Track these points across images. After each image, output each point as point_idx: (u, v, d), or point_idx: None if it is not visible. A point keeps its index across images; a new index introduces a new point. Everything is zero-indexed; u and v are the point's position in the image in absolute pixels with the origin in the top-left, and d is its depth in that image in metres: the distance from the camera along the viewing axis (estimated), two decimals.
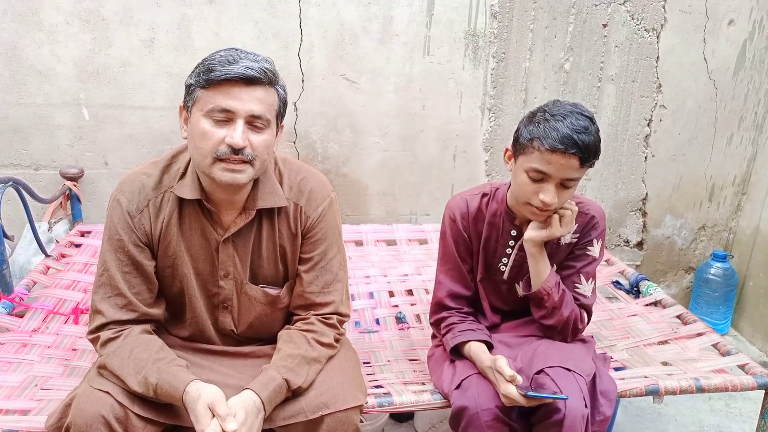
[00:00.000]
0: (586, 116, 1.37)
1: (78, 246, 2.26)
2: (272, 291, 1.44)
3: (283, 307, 1.47)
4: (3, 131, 2.35)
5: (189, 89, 1.28)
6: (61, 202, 2.36)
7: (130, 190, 1.36)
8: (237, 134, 1.23)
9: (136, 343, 1.30)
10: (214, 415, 1.17)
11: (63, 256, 2.17)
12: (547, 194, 1.39)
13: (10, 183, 1.94)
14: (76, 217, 2.42)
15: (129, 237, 1.34)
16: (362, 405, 1.35)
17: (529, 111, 1.45)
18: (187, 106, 1.30)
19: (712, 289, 2.85)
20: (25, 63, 2.30)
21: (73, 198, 2.39)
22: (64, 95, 2.35)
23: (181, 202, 1.37)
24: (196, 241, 1.38)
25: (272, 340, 1.48)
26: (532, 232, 1.49)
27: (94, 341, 1.35)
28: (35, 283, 1.96)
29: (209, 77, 1.22)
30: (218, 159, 1.25)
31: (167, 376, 1.23)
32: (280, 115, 1.34)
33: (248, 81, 1.23)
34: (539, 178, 1.39)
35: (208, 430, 1.14)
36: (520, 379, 1.35)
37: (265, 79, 1.25)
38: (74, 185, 2.38)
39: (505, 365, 1.36)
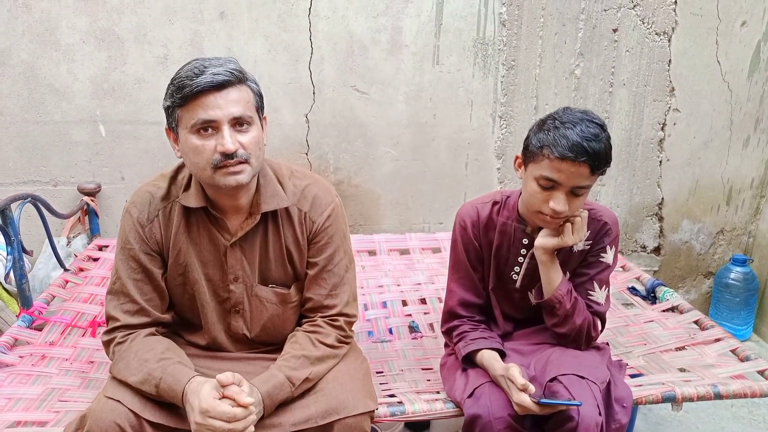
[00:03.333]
0: (597, 123, 1.36)
1: (96, 260, 2.29)
2: (282, 290, 1.48)
3: (294, 305, 1.49)
4: (23, 149, 2.41)
5: (168, 111, 1.31)
6: (79, 217, 2.41)
7: (141, 202, 1.41)
8: (226, 141, 1.26)
9: (140, 346, 1.34)
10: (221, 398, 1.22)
11: (81, 270, 2.21)
12: (558, 202, 1.38)
13: (29, 199, 1.98)
14: (93, 232, 2.46)
15: (140, 246, 1.40)
16: (372, 412, 1.35)
17: (539, 118, 1.45)
18: (172, 128, 1.34)
19: (732, 293, 2.80)
20: (42, 82, 2.35)
21: (90, 213, 2.43)
22: (81, 112, 2.40)
23: (188, 211, 1.41)
24: (205, 248, 1.42)
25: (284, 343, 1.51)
26: (542, 240, 1.48)
27: (106, 345, 1.39)
28: (54, 296, 2.00)
29: (182, 95, 1.25)
30: (216, 168, 1.28)
31: (171, 372, 1.27)
32: (260, 108, 1.37)
33: (219, 86, 1.25)
34: (549, 186, 1.38)
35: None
36: (532, 388, 1.34)
37: (234, 79, 1.27)
38: (92, 200, 2.43)
39: (517, 374, 1.35)
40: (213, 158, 1.27)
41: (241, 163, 1.29)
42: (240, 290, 1.44)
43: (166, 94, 1.31)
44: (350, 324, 1.49)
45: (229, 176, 1.29)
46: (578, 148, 1.32)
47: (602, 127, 1.37)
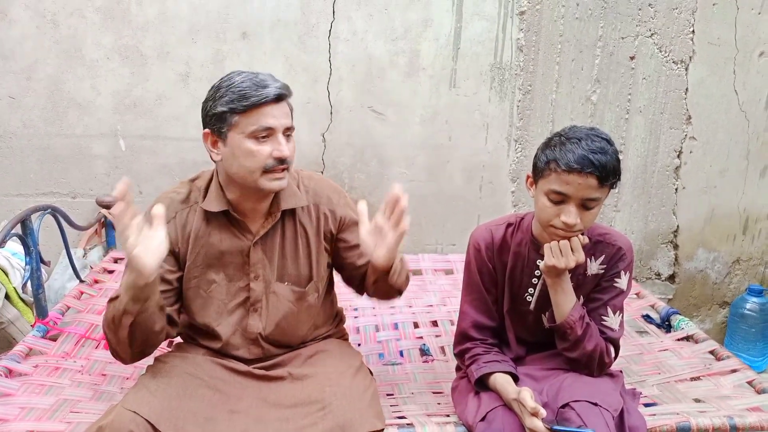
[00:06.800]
0: (603, 138, 1.39)
1: (111, 272, 2.31)
2: (298, 288, 1.53)
3: (309, 306, 1.53)
4: (44, 160, 2.45)
5: (221, 116, 1.38)
6: (96, 230, 2.44)
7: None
8: (283, 147, 1.39)
9: None
10: None
11: (96, 281, 2.22)
12: (569, 215, 1.39)
13: (49, 210, 2.01)
14: (110, 244, 2.49)
15: None
16: (380, 431, 1.34)
17: (547, 137, 1.47)
18: (219, 132, 1.39)
19: (748, 324, 2.76)
20: (66, 96, 2.40)
21: (107, 226, 2.46)
22: (102, 127, 2.45)
23: (208, 216, 1.47)
24: (227, 250, 1.47)
25: (296, 346, 1.56)
26: (543, 262, 1.48)
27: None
28: (69, 307, 2.01)
29: (248, 103, 1.35)
30: (265, 171, 1.38)
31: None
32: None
33: (278, 99, 1.38)
34: (559, 199, 1.40)
35: None
36: (543, 412, 1.32)
37: (288, 94, 1.42)
38: (109, 213, 2.45)
39: (528, 397, 1.34)
40: (267, 162, 1.38)
41: (285, 169, 1.41)
42: (260, 288, 1.49)
43: (218, 101, 1.38)
44: None
45: (275, 181, 1.40)
46: (584, 160, 1.35)
47: (608, 141, 1.40)
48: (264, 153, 1.37)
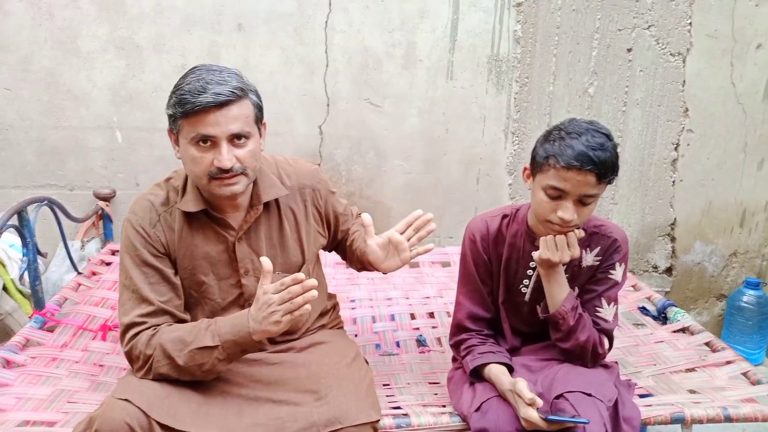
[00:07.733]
0: (602, 133, 1.38)
1: (108, 264, 2.32)
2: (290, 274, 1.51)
3: None
4: (41, 153, 2.45)
5: (171, 118, 1.35)
6: (93, 222, 2.44)
7: (141, 209, 1.43)
8: (223, 157, 1.31)
9: (174, 328, 1.36)
10: None
11: (94, 273, 2.23)
12: (566, 211, 1.39)
13: (45, 202, 2.01)
14: (107, 236, 2.49)
15: (148, 249, 1.40)
16: (375, 422, 1.35)
17: (546, 129, 1.47)
18: (173, 132, 1.38)
19: (745, 317, 2.77)
20: (62, 88, 2.40)
21: (104, 218, 2.47)
22: (99, 119, 2.44)
23: (188, 215, 1.43)
24: (212, 248, 1.44)
25: (295, 335, 1.54)
26: (537, 253, 1.48)
27: (132, 349, 1.35)
28: (66, 299, 2.02)
29: (183, 110, 1.29)
30: (212, 178, 1.34)
31: (221, 317, 1.37)
32: (259, 119, 1.41)
33: (221, 105, 1.29)
34: (557, 195, 1.40)
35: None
36: (540, 402, 1.33)
37: (235, 98, 1.31)
38: (106, 205, 2.46)
39: (524, 388, 1.35)
40: (210, 170, 1.33)
41: (236, 175, 1.34)
42: (252, 283, 1.46)
43: (168, 101, 1.35)
44: None
45: (224, 187, 1.35)
46: (584, 157, 1.34)
47: (608, 136, 1.39)
48: (206, 161, 1.32)
